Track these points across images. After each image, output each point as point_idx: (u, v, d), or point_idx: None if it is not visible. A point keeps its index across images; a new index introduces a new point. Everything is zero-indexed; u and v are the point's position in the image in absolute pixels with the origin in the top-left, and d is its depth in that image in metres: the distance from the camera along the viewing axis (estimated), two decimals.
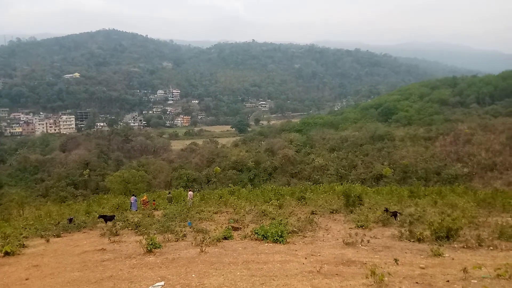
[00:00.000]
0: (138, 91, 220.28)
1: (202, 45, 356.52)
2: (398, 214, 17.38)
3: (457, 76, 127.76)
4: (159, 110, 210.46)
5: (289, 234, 14.64)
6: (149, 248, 12.54)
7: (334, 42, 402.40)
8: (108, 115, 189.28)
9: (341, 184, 38.70)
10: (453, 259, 10.66)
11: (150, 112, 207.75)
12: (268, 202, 24.05)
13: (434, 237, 13.12)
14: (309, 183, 53.91)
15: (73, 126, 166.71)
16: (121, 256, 12.52)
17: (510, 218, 17.28)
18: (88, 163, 74.15)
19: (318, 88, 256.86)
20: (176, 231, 16.17)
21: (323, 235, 15.28)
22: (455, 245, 12.35)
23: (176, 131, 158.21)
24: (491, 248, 11.98)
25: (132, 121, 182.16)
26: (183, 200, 27.76)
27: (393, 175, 56.67)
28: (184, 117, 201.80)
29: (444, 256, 10.91)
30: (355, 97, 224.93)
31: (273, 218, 18.04)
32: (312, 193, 29.42)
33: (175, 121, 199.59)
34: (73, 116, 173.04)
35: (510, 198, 23.62)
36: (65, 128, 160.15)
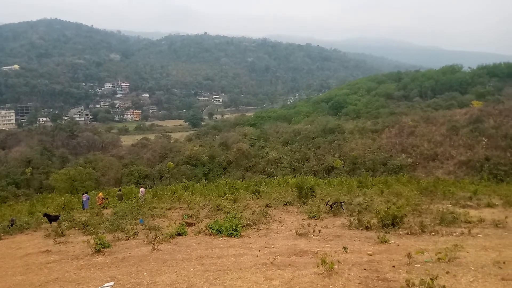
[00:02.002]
0: (83, 84, 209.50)
1: (152, 36, 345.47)
2: (342, 203, 18.08)
3: (401, 71, 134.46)
4: (107, 104, 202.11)
5: (244, 227, 14.72)
6: (97, 248, 12.05)
7: (286, 37, 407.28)
8: (51, 110, 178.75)
9: (295, 176, 39.49)
10: (398, 245, 11.25)
11: (97, 106, 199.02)
12: (223, 197, 23.97)
13: (381, 224, 13.79)
14: (263, 176, 54.40)
15: (13, 121, 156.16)
16: (68, 257, 11.96)
17: (450, 205, 18.58)
18: (30, 161, 69.76)
19: (271, 82, 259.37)
20: (127, 229, 15.71)
21: (277, 227, 15.52)
22: (400, 232, 13.05)
23: (126, 126, 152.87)
24: (433, 233, 12.80)
25: (78, 115, 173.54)
26: (135, 197, 26.93)
27: (343, 166, 58.78)
28: (134, 111, 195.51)
29: (390, 243, 11.49)
30: (307, 91, 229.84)
31: (228, 212, 18.03)
32: (266, 186, 29.69)
33: (125, 116, 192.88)
34: (13, 111, 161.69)
35: (450, 186, 25.41)
36: (4, 124, 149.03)
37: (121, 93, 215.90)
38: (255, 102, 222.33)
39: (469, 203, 19.32)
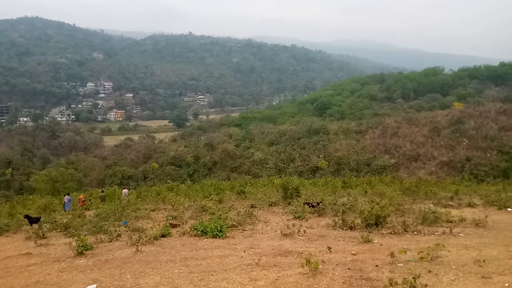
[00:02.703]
0: (65, 83, 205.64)
1: (136, 35, 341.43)
2: (319, 203, 18.38)
3: (384, 73, 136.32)
4: (90, 104, 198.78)
5: (229, 228, 14.68)
6: (79, 250, 11.82)
7: (271, 38, 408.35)
8: (32, 110, 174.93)
9: (280, 177, 39.68)
10: (381, 244, 11.39)
11: (80, 106, 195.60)
12: (208, 197, 23.89)
13: (364, 224, 13.94)
14: (248, 177, 54.42)
15: None
16: (49, 259, 11.69)
17: (432, 205, 18.92)
18: (10, 162, 68.05)
19: (257, 82, 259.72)
20: (110, 231, 15.44)
21: (262, 227, 15.53)
22: (383, 231, 13.21)
23: (109, 126, 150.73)
24: (415, 233, 13.00)
25: (60, 115, 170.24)
26: (118, 199, 26.57)
27: (328, 167, 59.24)
28: (118, 111, 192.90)
29: (373, 242, 11.63)
30: (292, 92, 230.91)
31: (213, 213, 17.98)
32: (251, 187, 29.74)
33: (108, 116, 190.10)
34: None
35: (432, 186, 25.91)
36: None
37: (104, 93, 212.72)
38: (240, 103, 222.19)
39: (450, 203, 19.72)
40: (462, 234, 12.56)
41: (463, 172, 49.69)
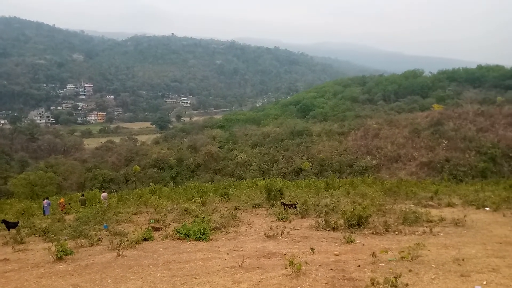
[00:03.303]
0: (44, 85, 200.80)
1: (117, 36, 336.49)
2: (295, 204, 18.68)
3: (366, 75, 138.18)
4: (70, 106, 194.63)
5: (212, 231, 14.60)
6: (59, 255, 11.54)
7: (254, 40, 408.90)
8: (10, 112, 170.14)
9: (263, 179, 39.72)
10: (363, 244, 11.52)
11: (59, 108, 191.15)
12: (191, 200, 23.70)
13: (347, 225, 14.08)
14: (232, 179, 54.37)
15: None
16: (27, 265, 11.37)
17: (412, 205, 19.26)
18: None
19: (240, 84, 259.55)
20: (90, 235, 15.19)
21: (246, 229, 15.50)
22: (365, 232, 13.37)
23: (89, 129, 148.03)
24: (396, 233, 13.21)
25: (38, 118, 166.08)
26: (99, 202, 26.09)
27: (311, 168, 59.66)
28: (99, 113, 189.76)
29: (355, 243, 11.75)
30: (275, 93, 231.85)
31: (196, 216, 17.88)
32: (235, 189, 29.68)
33: (88, 118, 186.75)
34: None
35: (413, 187, 26.38)
36: None
37: (84, 95, 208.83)
38: (224, 105, 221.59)
39: (430, 202, 20.09)
40: (441, 234, 12.82)
41: (442, 172, 50.81)
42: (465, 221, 14.43)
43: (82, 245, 13.82)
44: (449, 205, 19.43)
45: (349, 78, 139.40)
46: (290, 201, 19.88)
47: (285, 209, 18.40)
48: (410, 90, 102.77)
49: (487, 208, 18.00)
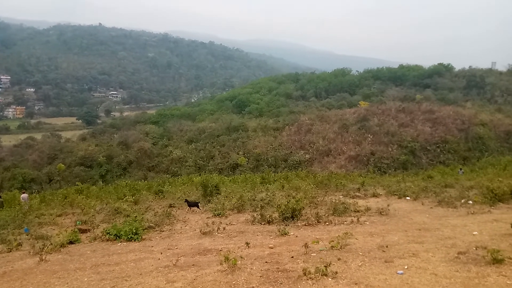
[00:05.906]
0: None
1: (38, 25, 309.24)
2: (198, 203, 19.10)
3: (298, 73, 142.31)
4: None
5: (145, 230, 14.14)
6: None
7: (188, 33, 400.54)
8: None
9: (199, 175, 39.27)
10: (296, 236, 11.88)
11: None
12: (122, 199, 22.65)
13: (281, 218, 14.41)
14: (167, 176, 53.00)
15: None
16: None
17: (341, 196, 20.27)
18: None
19: (174, 79, 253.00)
20: (9, 240, 13.92)
21: (181, 227, 15.22)
22: (299, 224, 13.80)
23: (6, 124, 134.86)
24: (327, 223, 13.81)
25: None
26: (19, 204, 23.87)
27: (247, 163, 60.22)
28: (17, 107, 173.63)
29: (289, 235, 12.08)
30: (211, 89, 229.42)
31: (128, 215, 17.15)
32: (170, 186, 28.93)
33: (5, 113, 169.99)
34: None
35: (342, 179, 27.79)
36: None
37: (0, 88, 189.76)
38: (157, 99, 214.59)
39: (357, 194, 21.33)
40: (367, 222, 13.65)
41: (368, 165, 54.15)
42: (389, 210, 15.52)
43: (0, 251, 12.66)
44: (374, 195, 20.76)
45: (283, 75, 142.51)
46: (194, 200, 20.05)
47: (189, 207, 18.70)
48: (339, 87, 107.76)
49: (407, 198, 19.50)
